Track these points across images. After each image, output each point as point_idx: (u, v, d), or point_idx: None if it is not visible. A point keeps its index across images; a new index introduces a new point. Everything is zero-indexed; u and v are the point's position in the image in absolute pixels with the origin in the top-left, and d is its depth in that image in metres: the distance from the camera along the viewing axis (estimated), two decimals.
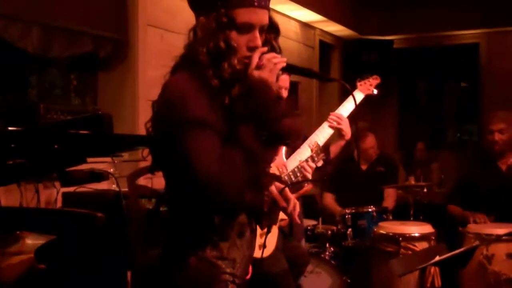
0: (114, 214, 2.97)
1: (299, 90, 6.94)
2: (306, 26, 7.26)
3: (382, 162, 5.49)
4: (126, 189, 3.39)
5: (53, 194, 3.53)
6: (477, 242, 3.77)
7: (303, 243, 4.21)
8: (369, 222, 4.78)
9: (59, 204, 3.51)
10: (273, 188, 2.25)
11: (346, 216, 4.83)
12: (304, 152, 3.14)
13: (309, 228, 4.84)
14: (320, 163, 3.01)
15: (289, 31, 6.81)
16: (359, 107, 3.36)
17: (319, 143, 3.19)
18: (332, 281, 4.53)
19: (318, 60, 7.60)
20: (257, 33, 1.86)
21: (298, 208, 2.24)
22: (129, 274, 3.24)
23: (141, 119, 4.32)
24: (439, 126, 9.16)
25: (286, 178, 2.88)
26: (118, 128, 3.29)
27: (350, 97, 3.37)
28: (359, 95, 3.52)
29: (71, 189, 3.42)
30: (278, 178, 2.30)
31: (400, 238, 4.17)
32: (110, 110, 4.16)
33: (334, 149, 3.56)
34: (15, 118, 3.51)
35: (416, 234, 4.25)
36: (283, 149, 3.06)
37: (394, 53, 8.21)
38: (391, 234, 4.28)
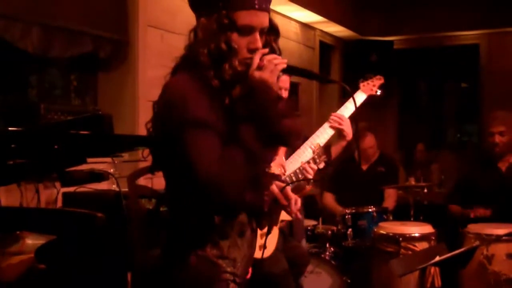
0: (114, 214, 2.97)
1: (300, 91, 6.95)
2: (306, 27, 7.26)
3: (383, 163, 5.49)
4: (126, 189, 3.39)
5: (53, 194, 3.53)
6: (477, 242, 3.78)
7: (304, 243, 4.21)
8: (369, 222, 4.77)
9: (59, 204, 3.51)
10: (274, 187, 2.26)
11: (346, 216, 4.83)
12: (304, 152, 3.14)
13: (309, 228, 4.84)
14: (321, 165, 3.01)
15: (289, 32, 6.82)
16: (360, 108, 3.36)
17: (320, 144, 3.19)
18: (332, 281, 4.54)
19: (319, 61, 7.61)
20: (257, 35, 1.88)
21: (299, 204, 2.25)
22: (129, 275, 3.24)
23: (141, 119, 4.32)
24: (439, 127, 9.16)
25: (287, 179, 2.88)
26: (118, 128, 3.30)
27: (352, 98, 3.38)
28: (361, 96, 3.50)
29: (71, 189, 3.42)
30: (278, 178, 2.30)
31: (400, 238, 4.18)
32: (110, 110, 4.16)
33: (335, 150, 3.56)
34: (15, 118, 3.51)
35: (416, 234, 4.25)
36: (283, 149, 3.06)
37: (394, 54, 8.21)
38: (391, 234, 4.28)
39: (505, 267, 3.94)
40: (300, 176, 2.92)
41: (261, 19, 1.88)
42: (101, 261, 2.80)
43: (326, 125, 3.34)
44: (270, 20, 1.93)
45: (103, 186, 3.61)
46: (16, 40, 3.55)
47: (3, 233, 2.44)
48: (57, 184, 3.47)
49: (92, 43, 4.13)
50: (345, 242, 4.80)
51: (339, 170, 5.26)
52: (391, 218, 4.94)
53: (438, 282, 3.99)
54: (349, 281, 4.58)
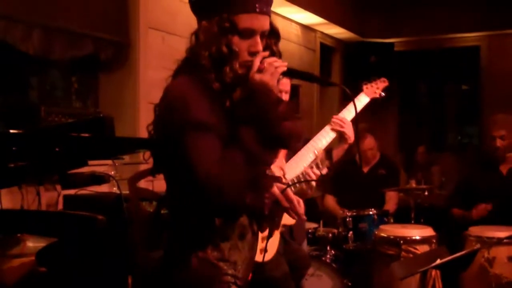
0: (115, 216, 2.97)
1: (300, 94, 6.94)
2: (307, 28, 7.26)
3: (384, 165, 5.49)
4: (127, 192, 3.39)
5: (54, 197, 3.53)
6: (478, 245, 3.78)
7: (305, 245, 4.20)
8: (370, 225, 4.77)
9: (60, 206, 3.51)
10: (275, 189, 2.26)
11: (347, 219, 4.82)
12: (306, 156, 3.13)
13: (310, 230, 4.83)
14: (325, 171, 3.01)
15: (290, 34, 6.82)
16: (361, 110, 3.35)
17: (321, 146, 3.19)
18: (333, 284, 4.53)
19: (319, 63, 7.61)
20: (258, 39, 1.89)
21: (302, 205, 2.25)
22: (130, 277, 3.24)
23: (142, 122, 4.32)
24: (439, 129, 9.16)
25: (290, 183, 2.87)
26: (119, 131, 3.30)
27: (356, 100, 3.38)
28: (364, 98, 3.47)
29: (72, 191, 3.42)
30: (279, 180, 2.30)
31: (401, 241, 4.17)
32: (111, 112, 4.17)
33: (337, 153, 3.55)
34: (16, 120, 3.51)
35: (417, 237, 4.25)
36: (283, 151, 3.05)
37: (395, 55, 8.21)
38: (392, 237, 4.27)
39: (506, 270, 3.94)
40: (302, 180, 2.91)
41: (262, 23, 1.89)
42: (101, 263, 2.79)
43: (327, 128, 3.33)
44: (271, 24, 1.95)
45: (104, 188, 3.60)
46: (17, 42, 3.55)
47: (4, 236, 2.45)
48: (58, 187, 3.47)
49: (93, 45, 4.13)
50: (346, 245, 4.80)
51: (340, 172, 5.26)
52: (392, 220, 4.95)
53: (439, 285, 3.98)
54: (350, 284, 4.58)
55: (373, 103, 3.54)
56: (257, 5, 1.86)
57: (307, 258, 3.96)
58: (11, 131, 2.36)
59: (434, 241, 4.26)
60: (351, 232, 4.79)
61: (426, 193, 5.29)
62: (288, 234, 3.50)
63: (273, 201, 2.24)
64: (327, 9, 7.15)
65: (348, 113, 3.37)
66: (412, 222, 4.79)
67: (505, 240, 3.92)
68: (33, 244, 2.45)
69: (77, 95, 4.42)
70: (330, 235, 4.83)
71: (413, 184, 5.26)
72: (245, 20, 1.86)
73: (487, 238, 4.03)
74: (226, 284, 1.93)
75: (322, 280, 4.50)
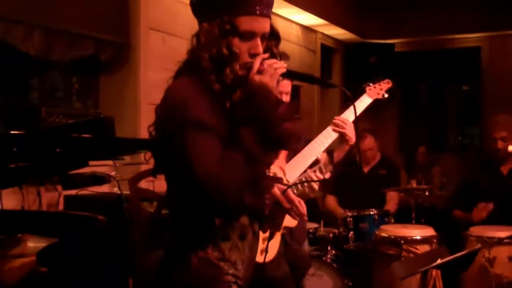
0: (116, 217, 2.98)
1: (301, 94, 6.94)
2: (307, 29, 7.27)
3: (384, 165, 5.48)
4: (128, 192, 3.39)
5: (55, 197, 3.53)
6: (479, 245, 3.77)
7: (306, 245, 4.20)
8: (370, 225, 4.77)
9: (61, 207, 3.51)
10: (275, 190, 2.27)
11: (348, 219, 4.82)
12: (307, 156, 3.13)
13: (310, 231, 4.83)
14: (328, 175, 3.02)
15: (290, 34, 6.82)
16: (363, 111, 3.35)
17: (323, 147, 3.18)
18: (334, 284, 4.53)
19: (320, 64, 7.61)
20: (258, 41, 1.91)
21: (304, 206, 2.26)
22: (130, 278, 3.24)
23: (142, 122, 4.32)
24: (440, 129, 9.15)
25: (292, 186, 2.88)
26: (119, 131, 3.31)
27: (358, 101, 3.37)
28: (367, 99, 3.46)
29: (72, 192, 3.42)
30: (279, 181, 2.31)
31: (402, 241, 4.17)
32: (112, 113, 4.17)
33: (338, 154, 3.55)
34: (16, 121, 3.51)
35: (418, 237, 4.24)
36: (284, 152, 3.05)
37: (395, 56, 8.21)
38: (392, 237, 4.27)
39: (507, 269, 3.93)
40: (305, 184, 2.92)
41: (262, 25, 1.91)
42: (102, 264, 2.80)
43: (329, 129, 3.32)
44: (271, 26, 1.96)
45: (104, 189, 3.61)
46: (17, 43, 3.56)
47: (5, 236, 2.45)
48: (59, 187, 3.47)
49: (94, 46, 4.14)
50: (346, 245, 4.80)
51: (340, 172, 5.25)
52: (392, 220, 4.94)
53: (439, 285, 3.98)
54: (350, 284, 4.58)
55: (373, 103, 3.53)
56: (257, 8, 1.88)
57: (308, 258, 3.96)
58: (12, 132, 2.37)
59: (435, 241, 4.25)
60: (351, 232, 4.78)
61: (427, 193, 5.29)
62: (289, 236, 3.50)
63: (274, 202, 2.25)
64: (328, 10, 7.15)
65: (350, 114, 3.36)
66: (413, 222, 4.79)
67: (505, 240, 3.91)
68: (33, 244, 2.45)
69: (77, 96, 4.42)
70: (331, 235, 4.82)
71: (413, 184, 5.26)
72: (246, 22, 1.87)
73: (488, 238, 4.03)
74: (227, 284, 1.94)
75: (322, 280, 4.50)
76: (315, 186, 2.94)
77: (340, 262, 4.69)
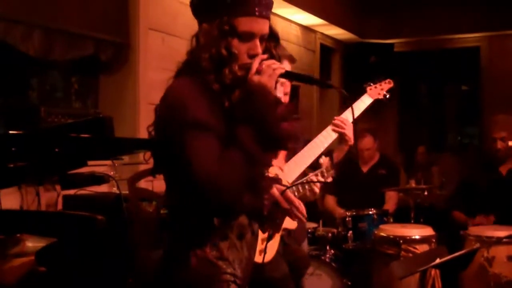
0: (115, 216, 2.98)
1: (300, 94, 6.95)
2: (307, 29, 7.27)
3: (383, 165, 5.48)
4: (127, 192, 3.39)
5: (53, 197, 3.53)
6: (477, 245, 3.78)
7: (305, 245, 4.21)
8: (369, 225, 4.78)
9: (59, 207, 3.51)
10: (274, 191, 2.27)
11: (347, 219, 4.83)
12: (306, 156, 3.13)
13: (309, 230, 4.83)
14: (329, 179, 3.02)
15: (290, 34, 6.82)
16: (363, 111, 3.35)
17: (322, 147, 3.18)
18: (333, 283, 4.53)
19: (319, 64, 7.61)
20: (257, 42, 1.92)
21: (303, 208, 2.27)
22: (130, 278, 3.24)
23: (142, 122, 4.32)
24: (440, 129, 9.16)
25: (294, 188, 2.88)
26: (119, 131, 3.30)
27: (359, 101, 3.37)
28: (368, 100, 3.45)
29: (71, 192, 3.42)
30: (278, 181, 2.31)
31: (401, 241, 4.18)
32: (111, 113, 4.17)
33: (338, 154, 3.54)
34: (16, 121, 3.52)
35: (417, 237, 4.25)
36: (283, 152, 3.05)
37: (394, 56, 8.21)
38: (391, 236, 4.28)
39: (505, 269, 3.94)
40: (306, 187, 2.92)
41: (261, 26, 1.92)
42: (101, 263, 2.80)
43: (329, 129, 3.32)
44: (271, 27, 1.98)
45: (103, 188, 3.61)
46: (17, 43, 3.56)
47: (4, 236, 2.45)
48: (58, 187, 3.47)
49: (93, 46, 4.14)
50: (345, 245, 4.80)
51: (340, 172, 5.25)
52: (391, 220, 4.95)
53: (438, 284, 3.99)
54: (349, 283, 4.58)
55: (374, 103, 3.52)
56: (256, 9, 1.89)
57: (307, 258, 3.96)
58: (11, 131, 2.37)
59: (434, 240, 4.26)
60: (350, 232, 4.79)
61: (426, 193, 5.29)
62: (288, 237, 3.50)
63: (273, 203, 2.26)
64: (327, 10, 7.16)
65: (350, 114, 3.35)
66: (412, 221, 4.79)
67: (504, 240, 3.92)
68: (32, 244, 2.45)
69: (77, 96, 4.42)
70: (330, 234, 4.83)
71: (412, 184, 5.27)
72: (245, 23, 1.89)
73: (487, 237, 4.04)
74: (226, 283, 1.94)
75: (321, 280, 4.50)
76: (316, 189, 2.94)
77: (339, 261, 4.69)
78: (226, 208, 1.86)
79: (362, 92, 3.46)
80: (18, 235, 2.45)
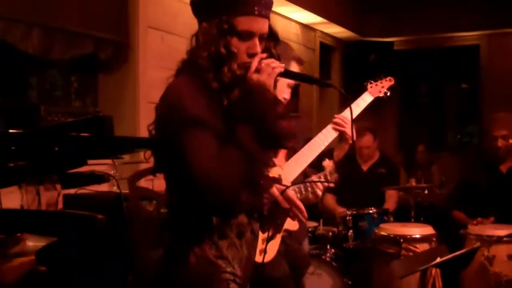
0: (115, 216, 2.97)
1: (300, 93, 6.95)
2: (306, 28, 7.27)
3: (383, 164, 5.48)
4: (127, 191, 3.39)
5: (54, 196, 3.53)
6: (478, 244, 3.78)
7: (306, 244, 4.21)
8: (370, 224, 4.77)
9: (60, 206, 3.51)
10: (274, 190, 2.27)
11: (347, 218, 4.82)
12: (306, 155, 3.13)
13: (310, 229, 4.83)
14: (332, 184, 3.02)
15: (289, 33, 6.82)
16: (363, 110, 3.34)
17: (323, 145, 3.18)
18: (333, 282, 4.53)
19: (319, 62, 7.61)
20: (256, 41, 1.93)
21: (303, 207, 2.26)
22: (130, 277, 3.24)
23: (141, 121, 4.32)
24: (439, 128, 9.16)
25: (296, 190, 2.88)
26: (118, 130, 3.30)
27: (360, 99, 3.36)
28: (368, 97, 3.43)
29: (72, 191, 3.42)
30: (278, 181, 2.31)
31: (401, 240, 4.17)
32: (111, 112, 4.17)
33: (338, 153, 3.54)
34: (15, 120, 3.51)
35: (417, 236, 4.25)
36: (283, 151, 3.05)
37: (394, 54, 8.21)
38: (392, 235, 4.28)
39: (506, 268, 3.94)
40: (309, 189, 2.92)
41: (261, 25, 1.93)
42: (101, 263, 2.80)
43: (329, 127, 3.31)
44: (270, 27, 1.98)
45: (103, 188, 3.61)
46: (16, 42, 3.55)
47: (4, 235, 2.45)
48: (58, 186, 3.47)
49: (93, 45, 4.13)
50: (345, 244, 4.80)
51: (340, 171, 5.24)
52: (391, 219, 4.94)
53: (439, 283, 3.98)
54: (350, 282, 4.58)
55: (375, 101, 3.50)
56: (256, 8, 1.89)
57: (307, 258, 3.96)
58: (11, 130, 2.36)
59: (434, 239, 4.26)
60: (351, 231, 4.78)
61: (426, 192, 5.30)
62: (289, 237, 3.50)
63: (273, 202, 2.25)
64: (327, 8, 7.15)
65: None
66: (412, 220, 4.79)
67: (505, 239, 3.92)
68: (33, 243, 2.45)
69: (76, 95, 4.42)
70: (330, 233, 4.82)
71: (413, 183, 5.27)
72: (244, 22, 1.89)
73: (487, 236, 4.03)
74: (225, 282, 1.94)
75: (322, 279, 4.50)
76: (319, 192, 2.94)
77: (340, 260, 4.69)
78: (225, 206, 1.87)
79: (363, 90, 3.45)
80: (19, 234, 2.45)
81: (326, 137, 3.25)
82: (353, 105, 3.31)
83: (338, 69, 8.29)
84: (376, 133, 5.47)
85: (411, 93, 9.11)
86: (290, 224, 2.90)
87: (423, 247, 4.15)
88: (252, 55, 1.91)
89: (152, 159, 2.02)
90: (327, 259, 4.61)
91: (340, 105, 7.60)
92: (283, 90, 3.01)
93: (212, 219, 1.91)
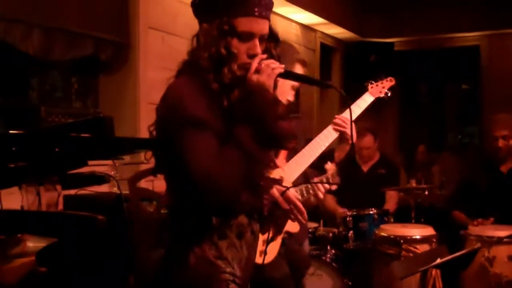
0: (115, 216, 2.97)
1: (300, 94, 6.94)
2: (307, 28, 7.27)
3: (384, 165, 5.47)
4: (127, 192, 3.39)
5: (54, 197, 3.52)
6: (478, 244, 3.78)
7: (307, 245, 4.21)
8: (370, 225, 4.77)
9: (60, 207, 3.51)
10: (274, 191, 2.27)
11: (347, 219, 4.82)
12: (307, 156, 3.13)
13: (310, 230, 4.83)
14: (334, 187, 3.03)
15: (290, 34, 6.82)
16: (364, 110, 3.34)
17: (323, 146, 3.18)
18: (333, 283, 4.53)
19: (319, 63, 7.61)
20: (257, 42, 1.93)
21: (303, 209, 2.26)
22: (131, 278, 3.24)
23: (142, 122, 4.32)
24: (440, 128, 9.16)
25: (298, 192, 2.88)
26: (119, 131, 3.30)
27: (360, 100, 3.36)
28: (369, 98, 3.43)
29: (72, 191, 3.42)
30: (278, 182, 2.32)
31: (402, 241, 4.17)
32: (111, 112, 4.17)
33: (339, 154, 3.54)
34: (16, 121, 3.51)
35: (418, 237, 4.24)
36: (284, 152, 3.05)
37: (395, 55, 8.21)
38: (392, 236, 4.27)
39: (506, 269, 3.93)
40: (311, 192, 2.92)
41: (261, 26, 1.94)
42: (102, 264, 2.80)
43: (330, 128, 3.31)
44: (270, 28, 1.99)
45: (104, 188, 3.61)
46: (17, 43, 3.56)
47: (4, 236, 2.45)
48: (58, 187, 3.47)
49: (93, 46, 4.14)
50: (346, 244, 4.79)
51: (340, 172, 5.24)
52: (392, 220, 4.94)
53: (439, 284, 3.98)
54: (350, 283, 4.58)
55: (375, 102, 3.50)
56: (256, 9, 1.90)
57: (308, 258, 3.96)
58: (11, 131, 2.36)
59: (435, 240, 4.25)
60: (351, 232, 4.78)
61: (426, 192, 5.29)
62: (289, 239, 3.50)
63: (273, 203, 2.26)
64: (327, 9, 7.16)
65: (352, 113, 3.34)
66: (412, 221, 4.79)
67: (505, 239, 3.91)
68: (33, 244, 2.45)
69: (77, 96, 4.42)
70: (330, 234, 4.82)
71: (413, 183, 5.26)
72: (244, 24, 1.90)
73: (487, 237, 4.03)
74: (225, 282, 1.95)
75: (322, 280, 4.50)
76: (321, 195, 2.94)
77: (340, 261, 4.69)
78: (225, 206, 1.88)
79: (363, 90, 3.45)
80: (19, 235, 2.45)
81: (326, 137, 3.24)
82: (354, 106, 3.31)
83: (338, 70, 8.29)
84: (377, 134, 5.47)
85: (412, 94, 9.11)
86: (291, 226, 2.90)
87: (423, 248, 4.15)
88: (252, 56, 1.92)
89: (152, 160, 2.03)
90: (328, 260, 4.61)
91: (341, 105, 7.60)
92: (287, 92, 3.01)
93: (212, 220, 1.91)
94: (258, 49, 1.93)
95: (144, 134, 2.17)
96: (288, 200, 2.32)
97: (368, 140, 5.37)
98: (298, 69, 3.05)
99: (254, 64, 1.90)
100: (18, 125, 3.47)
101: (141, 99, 4.39)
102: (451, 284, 4.12)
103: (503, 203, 4.46)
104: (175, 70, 2.02)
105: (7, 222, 2.54)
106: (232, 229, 1.96)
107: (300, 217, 2.33)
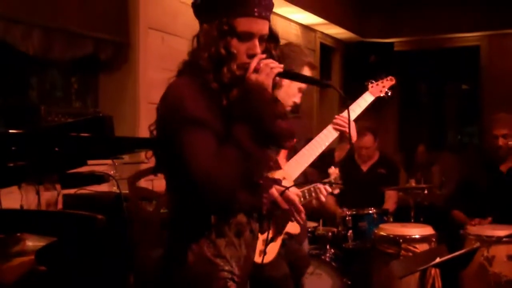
0: (115, 216, 2.98)
1: None
2: (307, 29, 7.27)
3: (383, 164, 5.47)
4: (127, 191, 3.40)
5: (54, 196, 3.54)
6: (477, 244, 3.78)
7: (306, 244, 4.21)
8: (369, 224, 4.77)
9: (59, 206, 3.52)
10: (273, 191, 2.28)
11: (347, 218, 4.82)
12: (307, 155, 3.13)
13: (309, 230, 4.83)
14: (336, 191, 3.04)
15: (290, 34, 6.82)
16: (364, 110, 3.34)
17: (323, 145, 3.18)
18: (333, 282, 4.53)
19: (319, 63, 7.61)
20: (256, 42, 1.95)
21: (302, 208, 2.27)
22: (130, 277, 3.25)
23: (142, 121, 4.33)
24: (440, 128, 9.16)
25: (300, 194, 2.88)
26: (119, 130, 3.30)
27: (360, 99, 3.37)
28: (369, 97, 3.42)
29: (71, 191, 3.42)
30: (278, 182, 2.32)
31: (401, 240, 4.18)
32: (111, 112, 4.17)
33: (339, 153, 3.54)
34: (16, 120, 3.52)
35: (417, 236, 4.25)
36: (284, 151, 3.05)
37: (395, 55, 8.21)
38: (391, 236, 4.28)
39: (505, 268, 3.94)
40: (313, 194, 2.93)
41: (261, 27, 1.95)
42: (101, 263, 2.80)
43: (330, 127, 3.31)
44: (270, 28, 2.00)
45: (103, 188, 3.61)
46: (16, 42, 3.56)
47: (4, 235, 2.45)
48: (58, 186, 3.48)
49: (93, 45, 4.14)
50: (345, 244, 4.80)
51: (339, 171, 5.24)
52: (391, 219, 4.94)
53: (438, 283, 3.99)
54: (349, 282, 4.58)
55: (376, 101, 3.49)
56: (256, 10, 1.92)
57: (307, 258, 3.96)
58: (11, 131, 2.37)
59: (434, 240, 4.26)
60: (350, 231, 4.78)
61: (426, 192, 5.29)
62: (289, 239, 3.50)
63: (272, 202, 2.26)
64: (327, 9, 7.15)
65: (352, 112, 3.34)
66: (412, 221, 4.79)
67: (504, 239, 3.92)
68: (32, 243, 2.45)
69: (77, 95, 4.42)
70: (330, 234, 4.82)
71: (412, 183, 5.26)
72: (244, 24, 1.92)
73: (487, 236, 4.04)
74: (223, 280, 1.96)
75: (321, 279, 4.50)
76: (323, 198, 2.95)
77: (339, 261, 4.69)
78: (224, 205, 1.89)
79: (364, 89, 3.45)
80: (18, 234, 2.45)
81: (326, 137, 3.25)
82: (354, 105, 3.31)
83: (338, 70, 8.29)
84: (377, 133, 5.47)
85: (412, 94, 9.10)
86: (292, 228, 2.90)
87: (422, 247, 4.15)
88: (251, 56, 1.93)
89: (152, 159, 2.04)
90: (327, 259, 4.61)
91: (340, 105, 7.60)
92: (294, 94, 3.02)
93: (210, 217, 1.92)
94: (258, 49, 1.94)
95: (143, 133, 2.18)
96: (288, 200, 2.32)
97: (368, 139, 5.37)
98: (307, 72, 3.06)
99: (253, 64, 1.91)
100: (18, 125, 3.48)
101: (141, 98, 4.39)
102: (451, 283, 4.12)
103: (503, 203, 4.46)
104: (175, 70, 2.03)
105: (7, 221, 2.55)
106: (231, 228, 1.97)
107: (298, 218, 2.33)
